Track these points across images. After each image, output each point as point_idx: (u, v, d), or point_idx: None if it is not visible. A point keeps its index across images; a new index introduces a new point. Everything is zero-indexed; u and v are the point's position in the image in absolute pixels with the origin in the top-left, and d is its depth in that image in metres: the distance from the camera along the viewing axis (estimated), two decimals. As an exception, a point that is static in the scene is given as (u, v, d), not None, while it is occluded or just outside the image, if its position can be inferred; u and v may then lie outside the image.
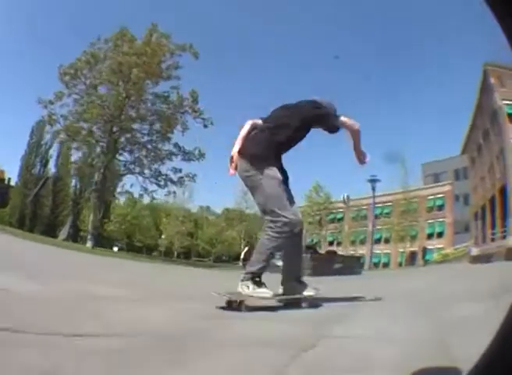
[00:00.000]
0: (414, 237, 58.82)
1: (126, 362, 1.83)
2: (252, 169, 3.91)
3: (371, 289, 7.99)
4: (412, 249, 60.69)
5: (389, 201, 58.50)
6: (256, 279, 3.76)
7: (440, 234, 61.53)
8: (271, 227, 3.81)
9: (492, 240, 42.97)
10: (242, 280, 3.78)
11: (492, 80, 42.12)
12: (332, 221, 70.13)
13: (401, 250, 60.51)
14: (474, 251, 38.66)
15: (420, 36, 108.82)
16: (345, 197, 38.55)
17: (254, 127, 4.21)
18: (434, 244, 59.57)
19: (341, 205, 64.39)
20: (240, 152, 4.00)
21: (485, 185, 50.07)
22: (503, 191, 41.37)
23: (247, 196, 56.62)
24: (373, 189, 37.19)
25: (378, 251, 64.88)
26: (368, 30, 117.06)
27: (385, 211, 61.34)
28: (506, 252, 14.92)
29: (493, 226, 44.24)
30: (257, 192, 3.95)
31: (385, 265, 61.93)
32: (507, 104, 40.58)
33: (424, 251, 60.54)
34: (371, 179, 38.70)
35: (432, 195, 62.62)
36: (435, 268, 26.81)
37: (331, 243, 68.96)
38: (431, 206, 63.08)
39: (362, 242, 66.32)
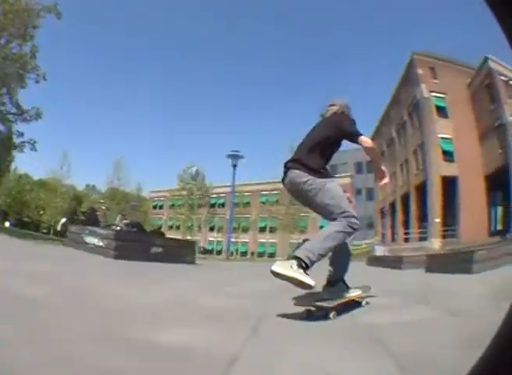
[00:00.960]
0: (303, 228, 54.97)
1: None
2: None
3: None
4: (301, 240, 57.19)
5: (276, 189, 53.39)
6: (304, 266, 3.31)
7: None
8: (345, 223, 3.53)
9: (406, 240, 40.82)
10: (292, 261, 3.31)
11: (420, 71, 39.51)
12: (213, 206, 65.08)
13: (293, 241, 56.40)
14: (380, 251, 36.03)
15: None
16: (193, 170, 30.15)
17: None
18: None
19: (224, 189, 62.43)
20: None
21: (395, 181, 48.29)
22: (420, 189, 39.43)
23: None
24: (234, 166, 29.62)
25: (263, 241, 63.65)
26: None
27: (272, 199, 57.01)
28: (428, 260, 10.31)
29: (407, 226, 42.39)
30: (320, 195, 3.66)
31: (271, 255, 59.16)
32: (436, 96, 38.41)
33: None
34: (231, 154, 29.86)
35: None
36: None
37: (211, 228, 65.95)
38: None
39: (245, 230, 63.61)
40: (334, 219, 3.56)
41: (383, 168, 4.21)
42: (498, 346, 1.03)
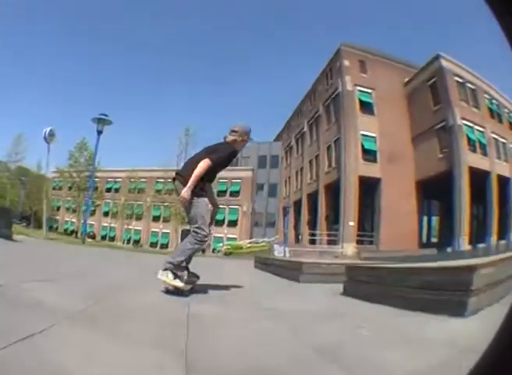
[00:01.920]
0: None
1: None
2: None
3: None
4: None
5: (163, 178, 48.29)
6: (174, 270, 4.52)
7: (233, 223, 55.64)
8: (195, 235, 4.63)
9: (312, 242, 37.64)
10: (164, 269, 4.55)
11: (347, 62, 36.58)
12: (109, 190, 62.30)
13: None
14: (279, 251, 32.62)
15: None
16: (47, 131, 24.22)
17: None
18: (224, 232, 53.51)
19: (119, 174, 60.42)
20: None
21: (302, 178, 45.43)
22: (332, 188, 36.70)
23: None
24: (99, 133, 23.08)
25: (156, 230, 58.83)
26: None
27: (168, 187, 50.07)
28: (347, 269, 5.52)
29: (313, 227, 39.38)
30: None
31: (164, 246, 55.66)
32: (362, 91, 35.78)
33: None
34: (98, 117, 22.05)
35: (224, 179, 54.43)
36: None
37: (106, 213, 62.77)
38: (223, 190, 55.52)
39: (139, 218, 59.48)
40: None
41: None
42: (496, 348, 1.05)
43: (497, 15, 1.11)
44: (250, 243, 43.86)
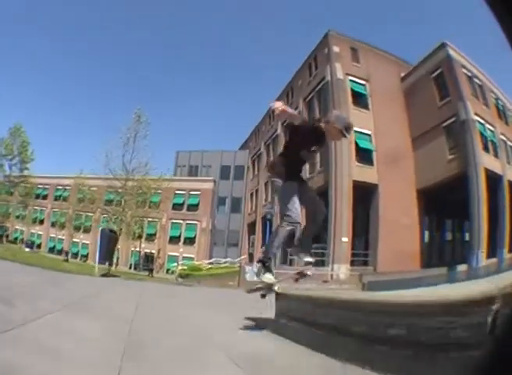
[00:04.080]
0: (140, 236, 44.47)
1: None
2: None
3: None
4: (148, 250, 47.45)
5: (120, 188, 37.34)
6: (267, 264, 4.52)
7: (190, 240, 48.42)
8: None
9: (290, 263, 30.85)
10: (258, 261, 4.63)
11: (336, 48, 30.99)
12: (38, 197, 55.80)
13: (134, 249, 46.04)
14: (252, 274, 25.89)
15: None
16: None
17: None
18: (180, 250, 46.82)
19: (47, 181, 55.81)
20: None
21: (271, 191, 38.99)
22: (323, 197, 30.38)
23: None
24: None
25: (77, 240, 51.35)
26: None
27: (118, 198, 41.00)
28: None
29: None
30: None
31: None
32: (354, 81, 30.24)
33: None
34: None
35: (181, 190, 48.91)
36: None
37: (34, 221, 55.89)
38: (179, 203, 49.39)
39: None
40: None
41: None
42: (494, 347, 1.08)
43: (497, 15, 1.09)
44: (210, 263, 38.49)
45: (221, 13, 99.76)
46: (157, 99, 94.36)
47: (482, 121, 26.35)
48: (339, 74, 30.00)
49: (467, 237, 27.21)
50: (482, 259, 22.75)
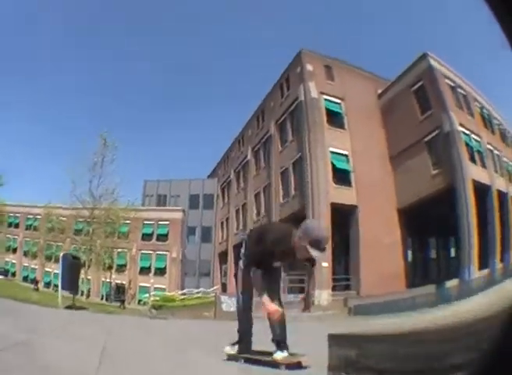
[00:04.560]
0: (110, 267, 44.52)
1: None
2: None
3: None
4: (119, 281, 46.71)
5: (88, 217, 37.24)
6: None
7: (161, 271, 47.45)
8: None
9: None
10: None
11: (310, 67, 30.13)
12: (10, 225, 55.28)
13: (105, 280, 45.12)
14: (228, 304, 24.61)
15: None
16: None
17: None
18: (151, 281, 45.23)
19: (18, 209, 54.66)
20: None
21: (246, 216, 37.55)
22: (298, 222, 28.89)
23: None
24: None
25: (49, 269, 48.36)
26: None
27: (86, 227, 39.45)
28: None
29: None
30: None
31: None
32: (329, 100, 29.32)
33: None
34: None
35: (149, 220, 48.00)
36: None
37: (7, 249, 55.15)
38: (148, 233, 48.39)
39: (35, 256, 50.58)
40: None
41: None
42: (495, 350, 1.04)
43: (497, 16, 1.09)
44: (183, 294, 37.45)
45: (182, 36, 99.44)
46: (123, 127, 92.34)
47: (467, 132, 25.77)
48: (314, 93, 28.93)
49: (452, 253, 26.57)
50: (475, 272, 21.87)
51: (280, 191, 31.36)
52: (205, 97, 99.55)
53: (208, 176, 54.58)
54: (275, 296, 4.22)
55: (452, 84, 27.00)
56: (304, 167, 27.43)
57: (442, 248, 29.34)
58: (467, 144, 24.88)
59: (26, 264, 55.24)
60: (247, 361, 4.33)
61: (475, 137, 26.36)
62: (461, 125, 25.00)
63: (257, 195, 35.84)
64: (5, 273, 50.25)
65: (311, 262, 4.08)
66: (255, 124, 39.21)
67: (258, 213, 34.99)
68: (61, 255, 14.82)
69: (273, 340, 4.11)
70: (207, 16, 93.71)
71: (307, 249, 3.59)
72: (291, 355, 4.02)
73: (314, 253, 3.61)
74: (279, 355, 4.04)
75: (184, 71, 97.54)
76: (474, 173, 24.17)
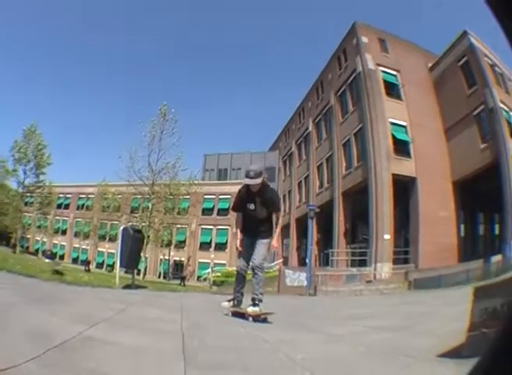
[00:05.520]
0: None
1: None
2: None
3: None
4: (178, 258, 47.16)
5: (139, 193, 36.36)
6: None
7: (222, 246, 48.27)
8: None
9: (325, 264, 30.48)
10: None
11: (365, 39, 31.11)
12: (59, 207, 57.82)
13: (163, 257, 45.53)
14: (292, 278, 26.02)
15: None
16: None
17: None
18: (211, 257, 46.61)
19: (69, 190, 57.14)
20: None
21: (308, 188, 38.86)
22: (353, 195, 30.43)
23: None
24: None
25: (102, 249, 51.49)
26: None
27: (145, 204, 38.07)
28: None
29: (325, 246, 32.58)
30: None
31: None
32: (386, 72, 30.22)
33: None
34: None
35: (210, 195, 48.84)
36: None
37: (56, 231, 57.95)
38: (209, 208, 49.46)
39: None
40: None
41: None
42: (497, 348, 1.05)
43: (499, 18, 1.12)
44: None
45: (241, 13, 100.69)
46: (182, 103, 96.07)
47: (507, 109, 25.98)
48: (371, 65, 30.28)
49: (496, 229, 26.89)
50: None
51: (343, 161, 32.54)
52: (264, 72, 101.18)
53: (269, 149, 55.64)
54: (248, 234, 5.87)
55: (490, 62, 27.27)
56: (367, 138, 28.30)
57: (490, 223, 29.54)
58: (507, 121, 25.13)
59: (76, 245, 56.30)
60: (235, 314, 5.69)
61: (513, 115, 26.95)
62: (502, 102, 25.37)
63: (319, 167, 37.45)
64: (52, 256, 49.71)
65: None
66: (315, 96, 40.18)
67: (321, 185, 36.16)
68: (121, 228, 13.23)
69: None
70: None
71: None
72: (261, 311, 5.47)
73: (245, 181, 5.50)
74: (250, 309, 5.43)
75: (242, 48, 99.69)
76: (514, 149, 24.79)
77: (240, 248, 5.81)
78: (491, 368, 1.02)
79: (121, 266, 12.34)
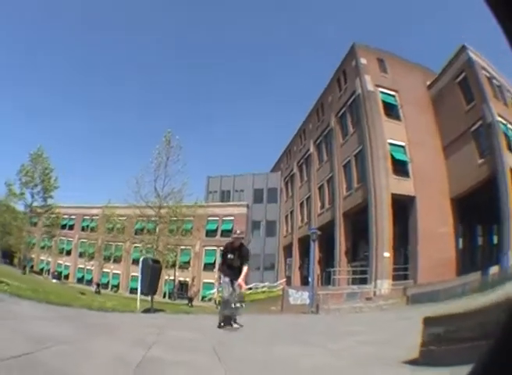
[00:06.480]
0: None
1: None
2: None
3: None
4: (182, 278, 47.67)
5: (144, 215, 37.25)
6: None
7: None
8: None
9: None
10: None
11: (364, 60, 32.14)
12: (64, 227, 57.87)
13: (168, 277, 46.02)
14: (295, 297, 26.90)
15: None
16: None
17: None
18: (215, 277, 45.11)
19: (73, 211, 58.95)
20: None
21: (310, 209, 39.64)
22: (353, 215, 31.11)
23: None
24: None
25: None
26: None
27: (149, 226, 39.49)
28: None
29: (327, 265, 33.19)
30: None
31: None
32: (384, 93, 31.19)
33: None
34: None
35: (214, 216, 49.87)
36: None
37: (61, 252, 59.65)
38: (212, 229, 50.39)
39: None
40: None
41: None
42: (497, 349, 1.08)
43: (499, 19, 1.12)
44: (249, 289, 37.64)
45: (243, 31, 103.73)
46: (183, 126, 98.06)
47: (504, 121, 26.66)
48: (370, 86, 31.11)
49: (495, 240, 27.10)
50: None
51: (343, 183, 33.33)
52: (264, 94, 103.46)
53: (271, 170, 56.57)
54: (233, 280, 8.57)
55: (488, 75, 28.00)
56: (366, 158, 29.25)
57: (488, 235, 29.84)
58: (504, 134, 25.75)
59: (81, 266, 57.48)
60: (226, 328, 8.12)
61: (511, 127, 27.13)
62: (499, 115, 26.00)
63: (320, 188, 38.20)
64: (58, 276, 52.04)
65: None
66: (315, 118, 41.32)
67: (323, 206, 36.92)
68: (141, 259, 14.95)
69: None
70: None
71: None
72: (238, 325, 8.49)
73: (233, 236, 9.15)
74: (235, 325, 8.43)
75: (241, 68, 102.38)
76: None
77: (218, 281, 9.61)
78: (491, 368, 1.04)
79: (142, 292, 13.81)
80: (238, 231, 9.32)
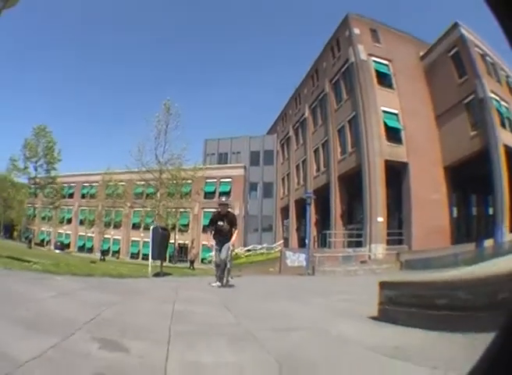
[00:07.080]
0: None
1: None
2: None
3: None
4: (182, 241, 48.87)
5: (144, 180, 37.63)
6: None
7: None
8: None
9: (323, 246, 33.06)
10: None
11: (357, 30, 32.92)
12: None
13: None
14: (292, 259, 28.73)
15: None
16: None
17: None
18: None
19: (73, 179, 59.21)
20: None
21: (306, 172, 41.17)
22: (348, 179, 32.63)
23: None
24: None
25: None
26: None
27: (149, 191, 41.22)
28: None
29: (323, 228, 35.29)
30: None
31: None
32: (377, 62, 32.17)
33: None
34: None
35: (212, 179, 50.60)
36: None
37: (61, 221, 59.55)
38: (211, 191, 51.05)
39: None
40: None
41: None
42: (497, 348, 1.07)
43: (499, 18, 1.13)
44: (248, 251, 39.63)
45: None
46: (181, 89, 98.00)
47: (497, 98, 27.70)
48: (363, 55, 32.01)
49: (490, 211, 28.03)
50: (506, 234, 23.96)
51: (338, 147, 34.73)
52: (263, 58, 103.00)
53: (267, 133, 57.28)
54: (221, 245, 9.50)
55: (481, 52, 28.91)
56: (360, 125, 30.68)
57: (483, 206, 31.05)
58: (497, 110, 26.82)
59: (82, 233, 58.68)
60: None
61: (504, 104, 28.28)
62: (492, 92, 27.05)
63: (316, 151, 39.39)
64: (62, 246, 53.37)
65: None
66: (310, 83, 42.12)
67: (318, 169, 38.50)
68: (151, 227, 15.61)
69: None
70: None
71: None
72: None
73: (219, 201, 10.44)
74: (217, 283, 9.45)
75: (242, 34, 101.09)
76: (505, 138, 26.08)
77: (210, 246, 9.96)
78: (491, 368, 1.04)
79: (153, 258, 14.98)
80: (223, 198, 10.66)
